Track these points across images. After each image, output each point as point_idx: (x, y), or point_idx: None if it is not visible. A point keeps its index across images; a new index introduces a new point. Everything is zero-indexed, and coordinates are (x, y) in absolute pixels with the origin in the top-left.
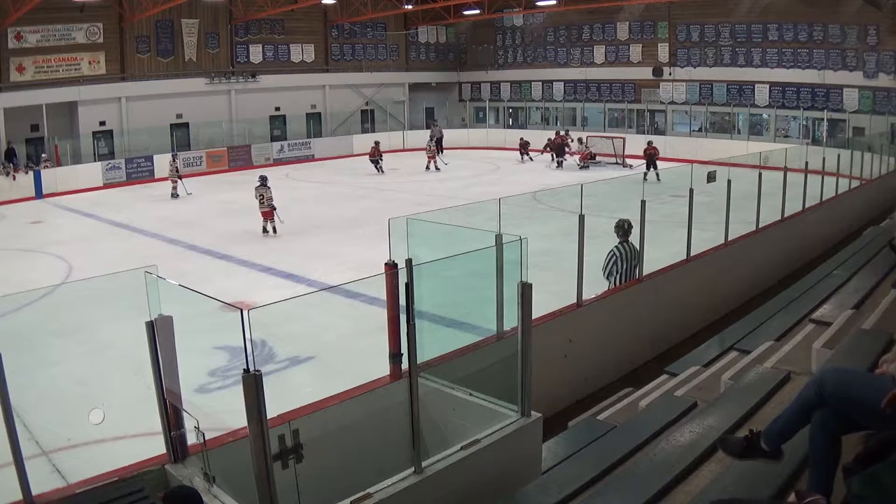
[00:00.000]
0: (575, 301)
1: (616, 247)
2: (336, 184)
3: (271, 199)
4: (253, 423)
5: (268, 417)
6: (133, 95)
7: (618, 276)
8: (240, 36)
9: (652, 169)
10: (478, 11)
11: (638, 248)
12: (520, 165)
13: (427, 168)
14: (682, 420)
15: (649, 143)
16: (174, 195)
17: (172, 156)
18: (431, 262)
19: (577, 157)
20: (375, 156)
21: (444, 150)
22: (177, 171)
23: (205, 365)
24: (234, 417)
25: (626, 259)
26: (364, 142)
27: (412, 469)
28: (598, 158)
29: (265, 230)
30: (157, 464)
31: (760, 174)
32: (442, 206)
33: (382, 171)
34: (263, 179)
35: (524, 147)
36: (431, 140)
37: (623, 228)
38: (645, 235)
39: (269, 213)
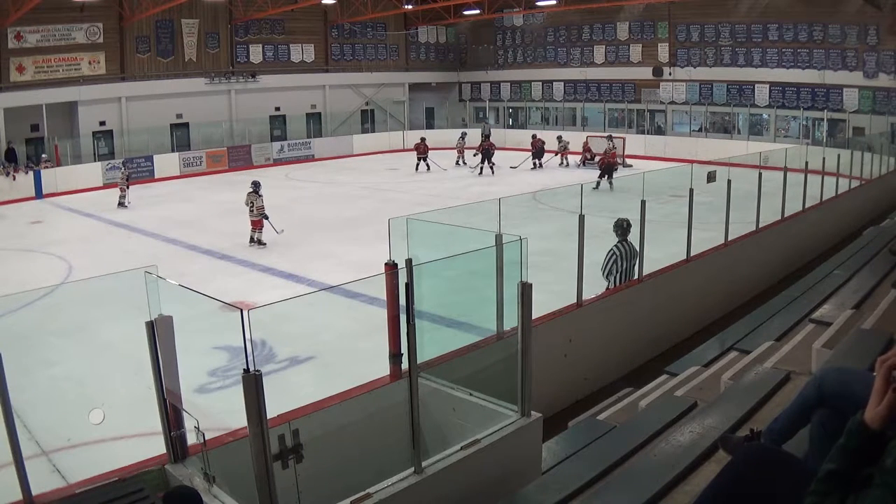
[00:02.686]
0: (575, 301)
1: (616, 246)
2: (336, 184)
3: (262, 207)
4: (253, 423)
5: (268, 417)
6: (133, 95)
7: (617, 275)
8: (240, 36)
9: (606, 177)
10: (478, 11)
11: (637, 247)
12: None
13: (463, 164)
14: (682, 420)
15: (609, 150)
16: (122, 204)
17: (123, 163)
18: (431, 262)
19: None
20: (424, 152)
21: (446, 150)
22: (126, 178)
23: (205, 365)
24: (234, 417)
25: (625, 258)
26: (364, 142)
27: (412, 469)
28: (595, 158)
29: (252, 240)
30: (157, 464)
31: (760, 174)
32: (442, 206)
33: (428, 169)
34: (256, 186)
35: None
36: (484, 136)
37: (622, 227)
38: (645, 235)
39: (258, 223)
